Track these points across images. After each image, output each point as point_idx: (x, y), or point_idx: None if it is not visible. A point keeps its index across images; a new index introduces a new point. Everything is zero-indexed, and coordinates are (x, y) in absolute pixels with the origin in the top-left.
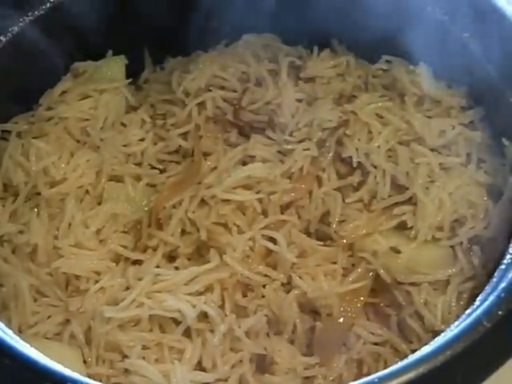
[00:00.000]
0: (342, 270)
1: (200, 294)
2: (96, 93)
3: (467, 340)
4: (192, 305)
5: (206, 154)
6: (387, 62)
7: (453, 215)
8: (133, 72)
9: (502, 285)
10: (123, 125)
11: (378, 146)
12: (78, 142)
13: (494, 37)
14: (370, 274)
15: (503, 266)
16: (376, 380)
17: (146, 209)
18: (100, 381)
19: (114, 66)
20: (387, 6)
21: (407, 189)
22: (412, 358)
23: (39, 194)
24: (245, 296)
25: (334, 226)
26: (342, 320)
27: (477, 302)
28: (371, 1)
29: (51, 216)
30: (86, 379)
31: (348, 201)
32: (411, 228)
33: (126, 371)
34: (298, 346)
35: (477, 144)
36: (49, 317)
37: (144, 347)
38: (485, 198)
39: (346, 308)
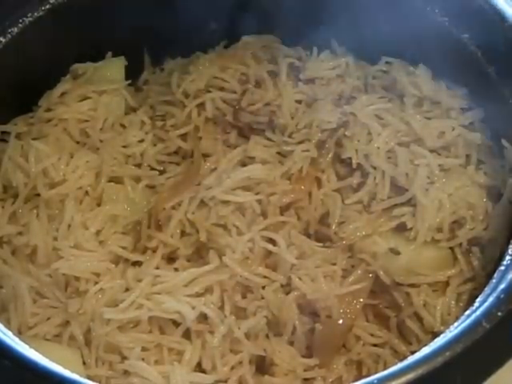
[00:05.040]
0: (342, 271)
1: (199, 295)
2: (95, 94)
3: (467, 341)
4: (191, 306)
5: (205, 155)
6: (387, 63)
7: (452, 216)
8: (132, 73)
9: (502, 286)
10: (123, 126)
11: (378, 148)
12: (78, 143)
13: (493, 38)
14: (370, 275)
15: (503, 267)
16: (375, 381)
17: (146, 210)
18: (99, 382)
19: (114, 67)
20: (387, 7)
21: (407, 190)
22: (411, 359)
23: (39, 195)
24: (244, 297)
25: (334, 227)
26: (341, 321)
27: (476, 303)
28: (371, 2)
29: (51, 217)
30: (86, 380)
31: (347, 202)
32: (411, 229)
33: (126, 372)
34: (298, 347)
35: (476, 145)
36: (48, 318)
37: (143, 349)
38: (484, 200)
39: (346, 309)
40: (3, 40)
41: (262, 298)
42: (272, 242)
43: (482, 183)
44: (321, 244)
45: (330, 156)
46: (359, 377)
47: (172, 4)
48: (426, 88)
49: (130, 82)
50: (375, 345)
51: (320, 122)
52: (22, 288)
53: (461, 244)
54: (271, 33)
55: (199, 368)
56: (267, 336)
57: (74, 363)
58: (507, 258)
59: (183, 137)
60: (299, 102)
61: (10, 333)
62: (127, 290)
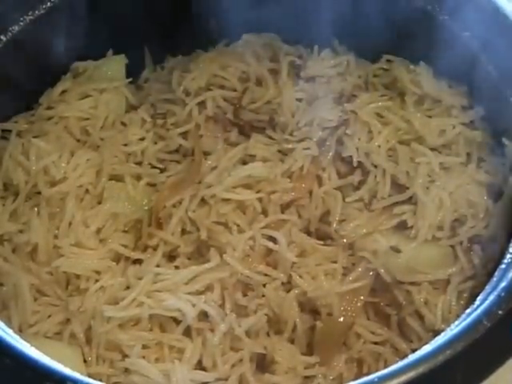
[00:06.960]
0: (342, 269)
1: (200, 293)
2: (96, 92)
3: (467, 339)
4: (192, 304)
5: (206, 154)
6: (387, 61)
7: (453, 214)
8: (133, 71)
9: (502, 284)
10: (123, 124)
11: (379, 146)
12: (79, 141)
13: (494, 36)
14: (370, 273)
15: (503, 266)
16: (376, 379)
17: (146, 208)
18: (100, 380)
19: (115, 65)
20: (388, 5)
21: (407, 188)
22: (412, 357)
23: (39, 193)
24: (245, 295)
25: (335, 225)
26: (342, 319)
27: (477, 302)
28: (372, 0)
29: (51, 215)
30: (86, 378)
31: (348, 200)
32: (411, 227)
33: (126, 370)
34: (298, 345)
35: (477, 143)
36: (49, 316)
37: (144, 346)
38: (485, 198)
39: (346, 307)
40: (4, 38)
41: (263, 295)
42: (273, 240)
43: (483, 181)
44: (321, 242)
45: (330, 154)
46: (360, 375)
47: (173, 2)
48: (426, 86)
49: (130, 80)
50: (376, 343)
51: (321, 120)
52: (22, 286)
53: (461, 242)
54: (272, 31)
55: (200, 366)
56: (268, 334)
57: (74, 361)
58: (508, 256)
59: (184, 135)
60: (300, 100)
61: (10, 331)
62: (128, 287)
